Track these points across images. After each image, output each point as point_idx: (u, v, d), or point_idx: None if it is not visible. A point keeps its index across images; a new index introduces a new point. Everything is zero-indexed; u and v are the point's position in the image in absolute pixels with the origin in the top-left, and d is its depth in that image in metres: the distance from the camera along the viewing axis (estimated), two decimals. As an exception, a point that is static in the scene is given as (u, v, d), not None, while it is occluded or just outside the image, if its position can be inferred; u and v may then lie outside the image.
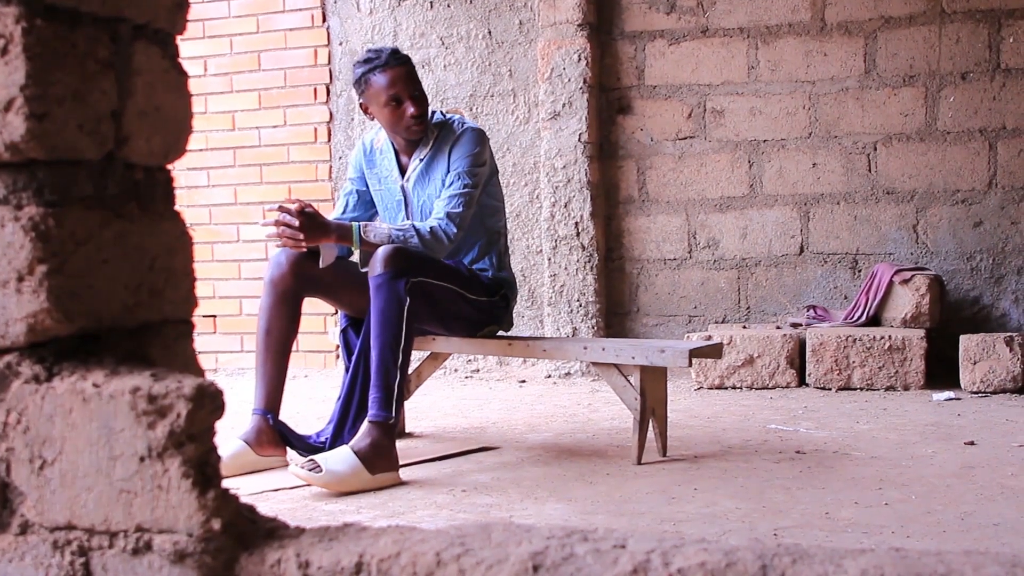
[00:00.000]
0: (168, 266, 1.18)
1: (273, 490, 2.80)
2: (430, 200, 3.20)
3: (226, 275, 5.43)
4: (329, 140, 5.25)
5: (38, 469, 1.05)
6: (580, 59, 4.74)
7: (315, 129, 5.27)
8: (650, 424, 3.04)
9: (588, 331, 4.78)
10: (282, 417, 3.12)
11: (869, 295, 4.39)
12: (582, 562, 0.89)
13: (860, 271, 4.65)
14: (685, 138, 4.83)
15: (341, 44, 5.21)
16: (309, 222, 2.97)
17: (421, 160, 3.22)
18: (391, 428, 2.85)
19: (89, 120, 1.08)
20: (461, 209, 3.10)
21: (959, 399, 3.95)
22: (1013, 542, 2.19)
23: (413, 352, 2.96)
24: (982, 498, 2.54)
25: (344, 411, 3.09)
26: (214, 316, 5.43)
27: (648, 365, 2.97)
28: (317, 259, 3.08)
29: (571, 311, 4.81)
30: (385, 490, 2.77)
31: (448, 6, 5.02)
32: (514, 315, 3.67)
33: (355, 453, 2.76)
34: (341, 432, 3.05)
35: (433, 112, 3.27)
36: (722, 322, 4.79)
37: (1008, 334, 4.08)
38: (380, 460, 2.79)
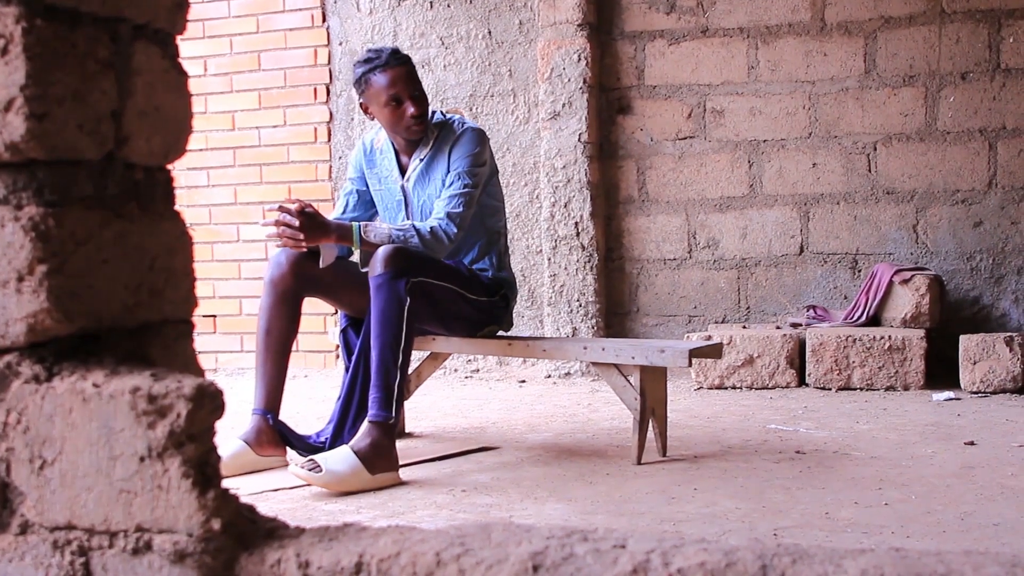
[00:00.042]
0: (168, 266, 1.18)
1: (273, 490, 2.80)
2: (430, 200, 3.20)
3: (226, 275, 5.43)
4: (329, 140, 5.25)
5: (38, 469, 1.05)
6: (580, 59, 4.74)
7: (315, 129, 5.27)
8: (650, 424, 3.04)
9: (588, 331, 4.79)
10: (282, 417, 3.12)
11: (869, 295, 4.39)
12: (582, 562, 0.89)
13: (860, 271, 4.65)
14: (685, 138, 4.83)
15: (341, 44, 5.21)
16: (309, 222, 2.97)
17: (421, 160, 3.22)
18: (391, 428, 2.85)
19: (89, 120, 1.08)
20: (461, 209, 3.10)
21: (959, 399, 3.95)
22: (1013, 542, 2.19)
23: (413, 352, 2.96)
24: (982, 498, 2.54)
25: (344, 411, 3.09)
26: (214, 316, 5.43)
27: (648, 365, 2.97)
28: (317, 259, 3.08)
29: (571, 311, 4.81)
30: (385, 490, 2.77)
31: (448, 6, 5.02)
32: (514, 315, 3.68)
33: (355, 453, 2.76)
34: (341, 432, 3.05)
35: (433, 112, 3.27)
36: (722, 322, 4.79)
37: (1008, 334, 4.08)
38: (380, 460, 2.79)
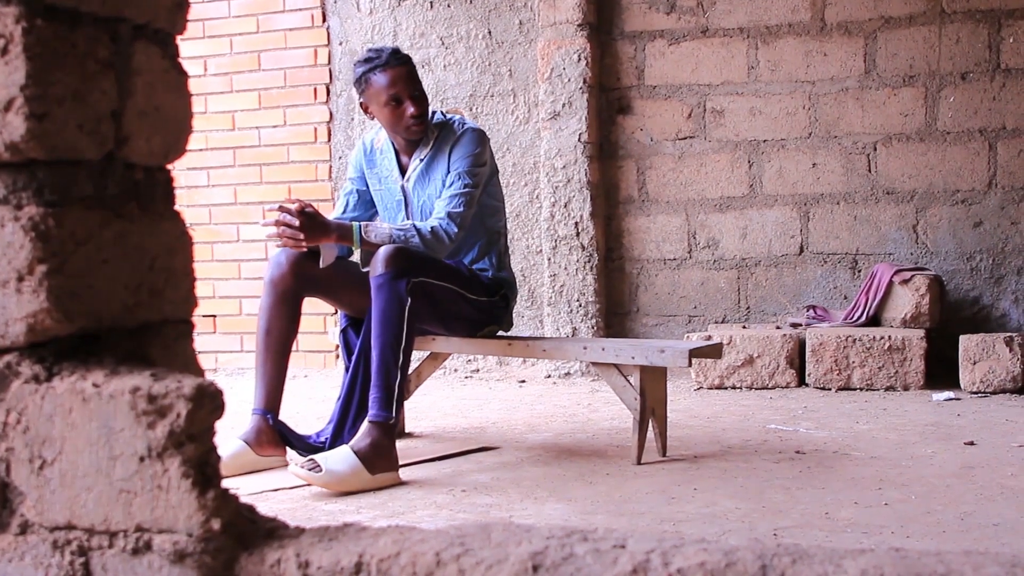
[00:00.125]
0: (168, 266, 1.18)
1: (273, 490, 2.80)
2: (430, 200, 3.20)
3: (226, 275, 5.43)
4: (329, 140, 5.25)
5: (38, 469, 1.05)
6: (580, 59, 4.74)
7: (315, 129, 5.27)
8: (650, 424, 3.04)
9: (588, 331, 4.79)
10: (282, 417, 3.12)
11: (869, 295, 4.39)
12: (582, 562, 0.89)
13: (860, 271, 4.65)
14: (685, 138, 4.83)
15: (341, 44, 5.22)
16: (309, 222, 2.97)
17: (421, 160, 3.22)
18: (391, 428, 2.85)
19: (89, 120, 1.08)
20: (462, 209, 3.10)
21: (959, 399, 3.95)
22: (1013, 542, 2.19)
23: (413, 352, 2.96)
24: (982, 498, 2.54)
25: (344, 411, 3.09)
26: (214, 316, 5.43)
27: (648, 365, 2.97)
28: (317, 259, 3.08)
29: (571, 311, 4.81)
30: (385, 490, 2.77)
31: (448, 6, 5.02)
32: (514, 315, 3.67)
33: (355, 453, 2.76)
34: (341, 432, 3.05)
35: (433, 112, 3.27)
36: (722, 322, 4.79)
37: (1008, 334, 4.08)
38: (380, 460, 2.79)
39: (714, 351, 3.21)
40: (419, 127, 3.16)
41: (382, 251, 2.91)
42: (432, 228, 3.05)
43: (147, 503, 1.01)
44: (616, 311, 4.94)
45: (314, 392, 4.64)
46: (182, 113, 1.21)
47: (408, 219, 3.24)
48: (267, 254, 5.04)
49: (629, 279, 4.93)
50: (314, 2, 5.24)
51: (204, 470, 1.01)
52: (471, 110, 4.98)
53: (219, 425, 1.05)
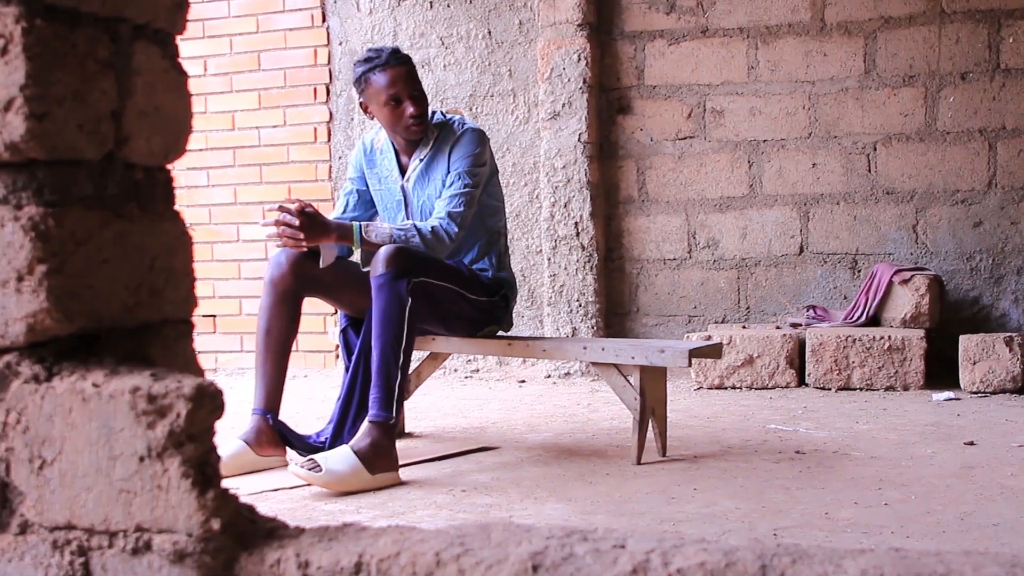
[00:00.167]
0: (168, 266, 1.18)
1: (273, 490, 2.80)
2: (430, 200, 3.20)
3: (226, 275, 5.43)
4: (329, 140, 5.25)
5: (38, 469, 1.05)
6: (580, 59, 4.74)
7: (315, 129, 5.27)
8: (650, 424, 3.04)
9: (588, 331, 4.79)
10: (282, 417, 3.12)
11: (869, 295, 4.39)
12: (582, 562, 0.89)
13: (860, 271, 4.65)
14: (685, 138, 4.83)
15: (341, 44, 5.22)
16: (309, 222, 2.97)
17: (421, 160, 3.22)
18: (391, 428, 2.85)
19: (89, 120, 1.08)
20: (462, 208, 3.11)
21: (959, 399, 3.95)
22: (1013, 542, 2.19)
23: (413, 352, 2.96)
24: (982, 498, 2.54)
25: (344, 411, 3.09)
26: (214, 316, 5.43)
27: (648, 365, 2.97)
28: (317, 259, 3.08)
29: (571, 311, 4.81)
30: (385, 490, 2.77)
31: (448, 6, 5.02)
32: (514, 315, 3.68)
33: (355, 453, 2.76)
34: (341, 432, 3.05)
35: (433, 112, 3.27)
36: (722, 322, 4.79)
37: (1008, 334, 4.08)
38: (380, 460, 2.79)
39: (714, 351, 3.21)
40: (419, 127, 3.16)
41: (383, 251, 2.91)
42: (432, 228, 3.05)
43: (147, 503, 1.01)
44: (616, 311, 4.94)
45: (314, 392, 4.64)
46: (182, 113, 1.21)
47: (408, 219, 3.24)
48: (267, 254, 5.04)
49: (629, 279, 4.93)
50: (314, 2, 5.24)
51: (204, 470, 1.01)
52: (471, 110, 4.98)
53: (219, 425, 1.05)
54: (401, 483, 2.83)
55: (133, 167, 1.15)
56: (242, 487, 2.72)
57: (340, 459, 2.74)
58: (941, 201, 4.57)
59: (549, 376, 4.81)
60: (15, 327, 1.05)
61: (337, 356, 5.08)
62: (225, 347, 5.43)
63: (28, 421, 1.05)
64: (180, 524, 1.00)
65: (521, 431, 3.59)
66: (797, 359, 4.29)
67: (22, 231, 1.03)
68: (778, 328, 4.48)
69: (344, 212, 3.35)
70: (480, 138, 3.20)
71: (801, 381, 4.30)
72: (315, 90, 5.26)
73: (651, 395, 3.02)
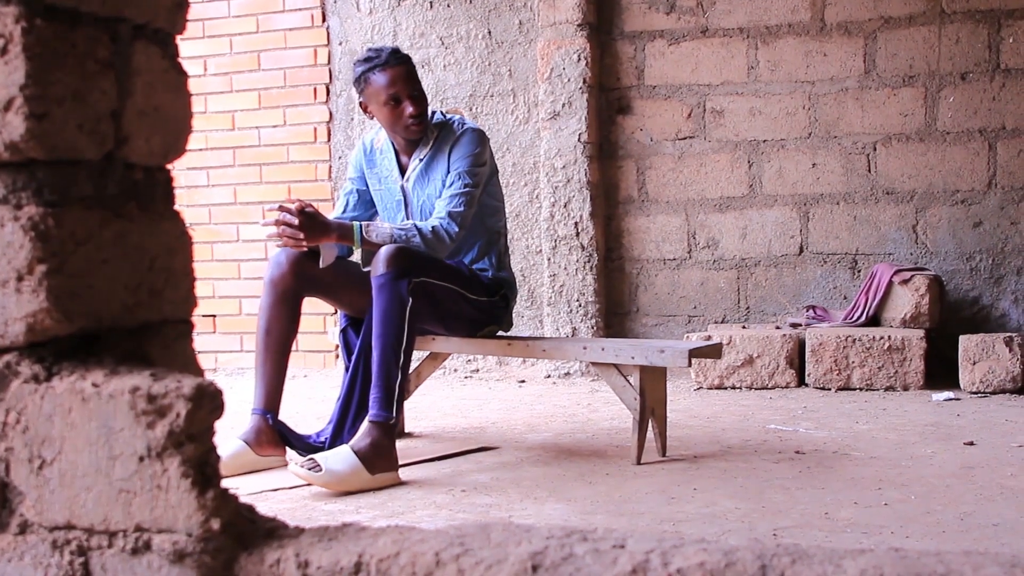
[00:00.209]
0: (168, 266, 1.18)
1: (272, 490, 2.80)
2: (430, 200, 3.20)
3: (226, 275, 5.43)
4: (329, 140, 5.25)
5: (37, 469, 1.05)
6: (580, 59, 4.74)
7: (315, 129, 5.27)
8: (650, 424, 3.04)
9: (588, 331, 4.79)
10: (282, 417, 3.12)
11: (869, 295, 4.39)
12: (581, 562, 0.89)
13: (860, 271, 4.65)
14: (685, 138, 4.83)
15: (341, 44, 5.22)
16: (309, 221, 2.97)
17: (421, 160, 3.22)
18: (391, 428, 2.85)
19: (89, 120, 1.08)
20: (463, 208, 3.11)
21: (958, 399, 3.95)
22: (1012, 542, 2.19)
23: (414, 352, 2.96)
24: (981, 498, 2.54)
25: (344, 411, 3.09)
26: (214, 316, 5.43)
27: (648, 365, 2.97)
28: (317, 259, 3.08)
29: (570, 311, 4.81)
30: (384, 490, 2.77)
31: (448, 6, 5.02)
32: (514, 315, 3.68)
33: (355, 453, 2.76)
34: (341, 432, 3.05)
35: (433, 112, 3.27)
36: (722, 322, 4.79)
37: (1008, 334, 4.08)
38: (380, 460, 2.79)
39: (714, 351, 3.21)
40: (418, 127, 3.16)
41: (384, 251, 2.91)
42: (433, 228, 3.05)
43: (146, 503, 1.01)
44: (616, 311, 4.94)
45: (314, 392, 4.64)
46: (182, 113, 1.21)
47: (408, 219, 3.24)
48: (267, 254, 5.04)
49: (629, 279, 4.93)
50: (314, 2, 5.24)
51: (204, 470, 1.01)
52: (471, 110, 4.98)
53: (219, 425, 1.05)
54: (401, 483, 2.83)
55: (133, 167, 1.15)
56: (242, 487, 2.72)
57: (340, 459, 2.74)
58: (941, 201, 4.57)
59: (549, 376, 4.81)
60: (15, 327, 1.05)
61: (337, 356, 5.08)
62: (225, 347, 5.43)
63: (28, 421, 1.05)
64: (180, 524, 1.00)
65: (521, 431, 3.59)
66: (797, 359, 4.29)
67: (22, 231, 1.03)
68: (778, 328, 4.48)
69: (344, 212, 3.35)
70: (480, 138, 3.20)
71: (801, 381, 4.30)
72: (315, 90, 5.26)
73: (651, 395, 3.02)
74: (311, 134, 5.27)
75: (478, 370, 5.00)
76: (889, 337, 4.15)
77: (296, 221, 2.95)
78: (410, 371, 3.19)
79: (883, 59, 4.59)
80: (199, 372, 1.20)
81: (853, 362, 4.18)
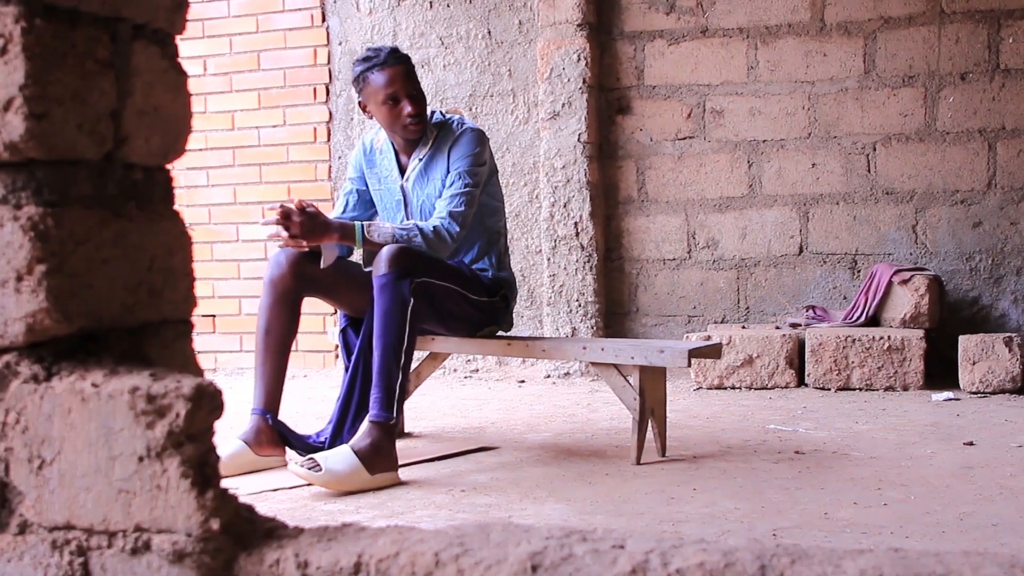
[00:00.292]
0: (167, 266, 1.18)
1: (272, 490, 2.80)
2: (429, 200, 3.20)
3: (225, 275, 5.43)
4: (328, 140, 5.25)
5: (37, 469, 1.05)
6: (580, 59, 4.74)
7: (315, 129, 5.27)
8: (649, 424, 3.04)
9: (587, 331, 4.79)
10: (281, 417, 3.12)
11: (868, 295, 4.39)
12: (581, 562, 0.89)
13: (859, 271, 4.66)
14: (684, 138, 4.83)
15: (340, 44, 5.22)
16: (311, 221, 2.97)
17: (420, 160, 3.22)
18: (391, 428, 2.85)
19: (88, 120, 1.08)
20: (463, 208, 3.11)
21: (958, 399, 3.95)
22: (1012, 542, 2.19)
23: (414, 352, 2.96)
24: (981, 498, 2.54)
25: (343, 411, 3.08)
26: (213, 316, 5.43)
27: (647, 365, 2.97)
28: (317, 259, 3.08)
29: (570, 311, 4.81)
30: (384, 490, 2.77)
31: (448, 6, 5.02)
32: (513, 315, 3.67)
33: (355, 453, 2.76)
34: (341, 432, 3.04)
35: (433, 112, 3.27)
36: (721, 322, 4.79)
37: (1007, 334, 4.08)
38: (380, 460, 2.79)
39: (713, 351, 3.21)
40: (417, 126, 3.16)
41: (386, 251, 2.91)
42: (434, 228, 3.05)
43: (146, 503, 1.01)
44: (615, 311, 4.94)
45: (314, 392, 4.64)
46: (181, 113, 1.21)
47: (408, 219, 3.24)
48: (267, 254, 5.04)
49: (628, 279, 4.93)
50: (314, 2, 5.24)
51: (203, 470, 1.01)
52: (471, 110, 4.98)
53: (218, 425, 1.05)
54: (401, 483, 2.83)
55: (132, 167, 1.15)
56: (241, 487, 2.72)
57: (340, 459, 2.74)
58: (941, 201, 4.57)
59: (548, 376, 4.81)
60: (14, 327, 1.05)
61: (337, 356, 5.08)
62: (225, 347, 5.43)
63: (27, 421, 1.05)
64: (179, 524, 1.00)
65: (520, 431, 3.59)
66: (797, 359, 4.29)
67: (21, 231, 1.03)
68: (777, 328, 4.48)
69: (344, 212, 3.35)
70: (479, 138, 3.20)
71: (801, 381, 4.30)
72: (315, 90, 5.26)
73: (651, 395, 3.02)
74: (311, 134, 5.27)
75: (478, 370, 5.00)
76: (889, 337, 4.16)
77: (297, 220, 2.95)
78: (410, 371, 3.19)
79: (883, 59, 4.59)
80: (199, 372, 1.20)
81: (853, 362, 4.18)
